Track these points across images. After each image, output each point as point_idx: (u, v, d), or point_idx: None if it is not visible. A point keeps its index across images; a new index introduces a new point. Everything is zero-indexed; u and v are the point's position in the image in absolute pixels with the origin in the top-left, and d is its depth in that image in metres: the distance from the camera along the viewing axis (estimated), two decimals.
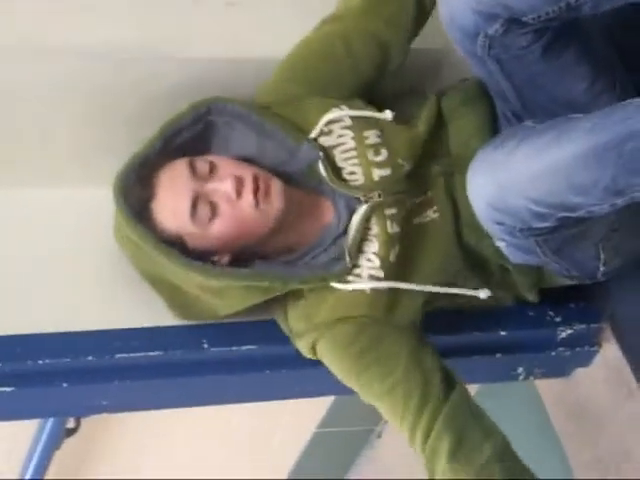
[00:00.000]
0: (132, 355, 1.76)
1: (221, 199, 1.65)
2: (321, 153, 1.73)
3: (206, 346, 1.80)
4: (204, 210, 1.64)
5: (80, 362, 1.74)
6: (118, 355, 1.76)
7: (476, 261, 1.79)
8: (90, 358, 1.75)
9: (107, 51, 1.73)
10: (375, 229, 1.71)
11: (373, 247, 1.71)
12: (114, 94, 1.81)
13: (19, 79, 1.73)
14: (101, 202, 1.69)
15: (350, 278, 1.70)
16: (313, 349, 1.72)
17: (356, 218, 1.71)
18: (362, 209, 1.71)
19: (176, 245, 1.66)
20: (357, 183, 1.74)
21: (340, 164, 1.75)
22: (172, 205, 1.65)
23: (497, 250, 1.75)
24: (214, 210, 1.65)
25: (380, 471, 3.01)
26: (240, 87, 1.83)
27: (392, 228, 1.72)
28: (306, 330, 1.72)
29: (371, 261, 1.71)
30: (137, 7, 1.75)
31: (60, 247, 1.86)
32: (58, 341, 1.74)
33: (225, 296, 1.72)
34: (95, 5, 1.72)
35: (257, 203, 1.64)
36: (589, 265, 1.76)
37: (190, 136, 1.73)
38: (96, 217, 1.73)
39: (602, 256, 1.74)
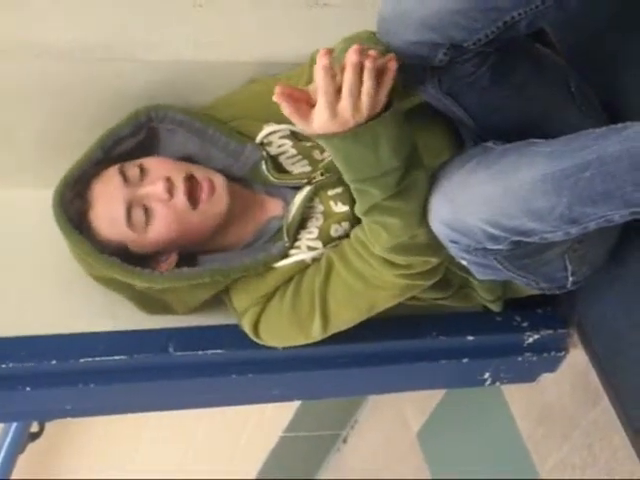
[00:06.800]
0: (97, 359, 1.75)
1: (154, 202, 1.66)
2: (264, 153, 1.75)
3: (172, 350, 1.79)
4: (139, 215, 1.66)
5: (44, 366, 1.73)
6: (82, 359, 1.75)
7: None
8: (54, 362, 1.73)
9: (73, 52, 1.73)
10: (320, 207, 1.73)
11: (317, 223, 1.73)
12: (79, 95, 1.80)
13: None
14: None
15: (291, 252, 1.71)
16: (256, 326, 1.72)
17: (299, 197, 1.72)
18: (306, 189, 1.73)
19: (121, 251, 1.68)
20: (303, 170, 1.76)
21: (289, 168, 1.77)
22: (108, 214, 1.67)
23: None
24: (149, 214, 1.67)
25: (346, 475, 3.01)
26: (207, 89, 1.83)
27: (337, 206, 1.72)
28: (248, 305, 1.73)
29: (311, 233, 1.72)
30: (104, 8, 1.74)
31: (22, 249, 1.85)
32: (22, 345, 1.73)
33: (173, 295, 1.74)
34: (62, 5, 1.71)
35: (197, 202, 1.66)
36: (557, 276, 1.75)
37: (132, 145, 1.75)
38: None
39: (569, 267, 1.72)
